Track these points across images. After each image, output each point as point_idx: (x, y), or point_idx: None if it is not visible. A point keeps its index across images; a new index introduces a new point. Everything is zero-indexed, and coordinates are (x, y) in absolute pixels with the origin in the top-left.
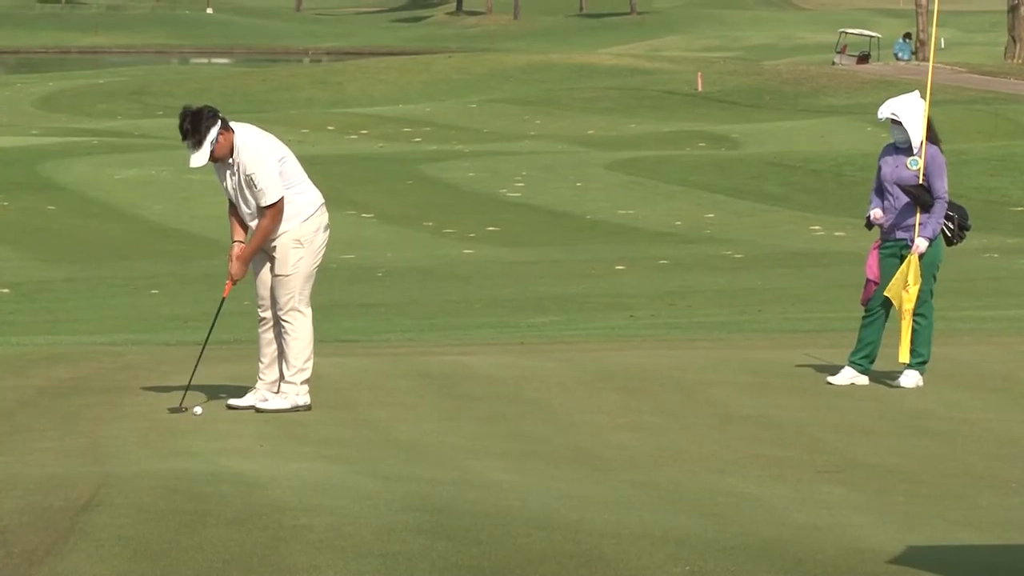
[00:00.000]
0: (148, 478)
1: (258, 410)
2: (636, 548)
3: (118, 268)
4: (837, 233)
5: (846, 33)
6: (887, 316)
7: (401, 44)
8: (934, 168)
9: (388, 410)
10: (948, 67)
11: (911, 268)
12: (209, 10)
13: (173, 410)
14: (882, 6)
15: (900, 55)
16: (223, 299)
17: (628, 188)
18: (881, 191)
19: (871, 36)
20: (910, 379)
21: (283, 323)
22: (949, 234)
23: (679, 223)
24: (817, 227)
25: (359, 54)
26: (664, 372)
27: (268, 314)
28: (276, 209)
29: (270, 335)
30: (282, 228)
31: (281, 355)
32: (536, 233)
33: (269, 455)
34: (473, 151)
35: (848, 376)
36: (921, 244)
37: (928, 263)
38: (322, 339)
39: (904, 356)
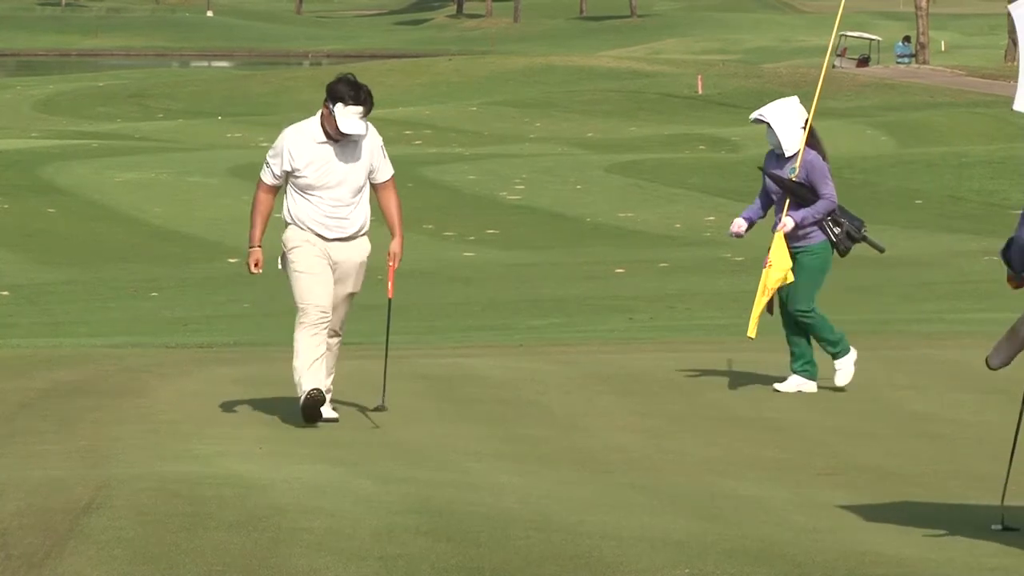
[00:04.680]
0: (148, 481)
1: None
2: (635, 550)
3: (118, 271)
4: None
5: (846, 36)
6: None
7: (402, 47)
8: (815, 175)
9: (388, 412)
10: (948, 70)
11: (775, 246)
12: (209, 13)
13: (377, 408)
14: (882, 8)
15: (900, 58)
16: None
17: (628, 191)
18: (767, 198)
19: (871, 39)
20: (842, 376)
21: (337, 337)
22: (834, 238)
23: (679, 226)
24: None
25: (359, 57)
26: (664, 375)
27: (327, 318)
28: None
29: (324, 346)
30: (358, 226)
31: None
32: (536, 236)
33: (269, 458)
34: (473, 154)
35: (795, 384)
36: (788, 222)
37: (814, 267)
38: None
39: (752, 331)
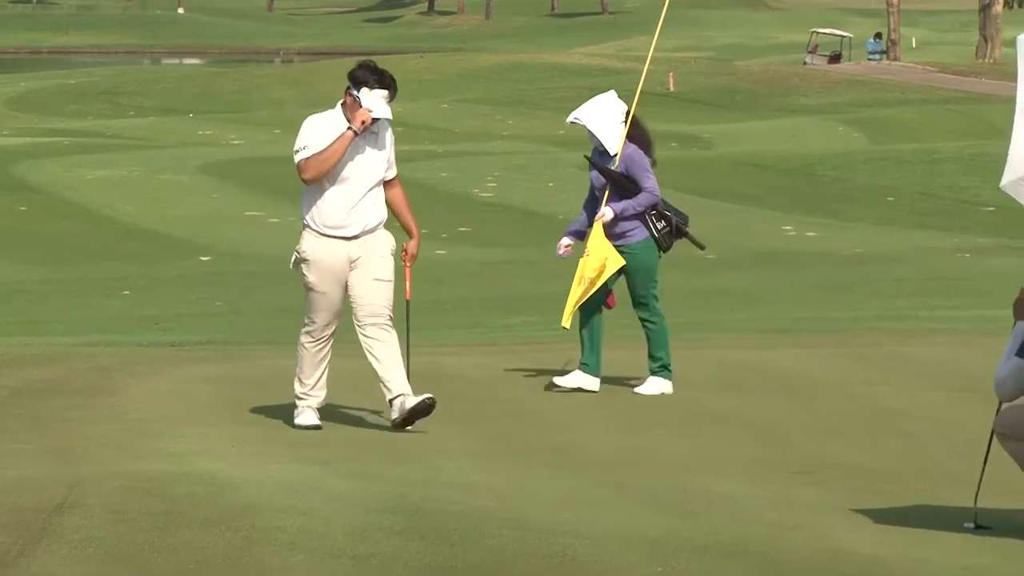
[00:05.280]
0: (121, 479)
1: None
2: (609, 548)
3: (91, 269)
4: (809, 233)
5: (817, 33)
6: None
7: (372, 44)
8: (635, 168)
9: (362, 411)
10: (920, 67)
11: (593, 236)
12: (180, 10)
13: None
14: (853, 5)
15: (871, 55)
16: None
17: None
18: (592, 206)
19: (843, 36)
20: (653, 386)
21: (382, 329)
22: (656, 234)
23: None
24: (789, 227)
25: (330, 54)
26: (638, 372)
27: (332, 329)
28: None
29: (327, 351)
30: (379, 218)
31: (380, 370)
32: (509, 233)
33: (242, 456)
34: (446, 151)
35: (576, 380)
36: (607, 212)
37: (642, 267)
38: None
39: (566, 321)
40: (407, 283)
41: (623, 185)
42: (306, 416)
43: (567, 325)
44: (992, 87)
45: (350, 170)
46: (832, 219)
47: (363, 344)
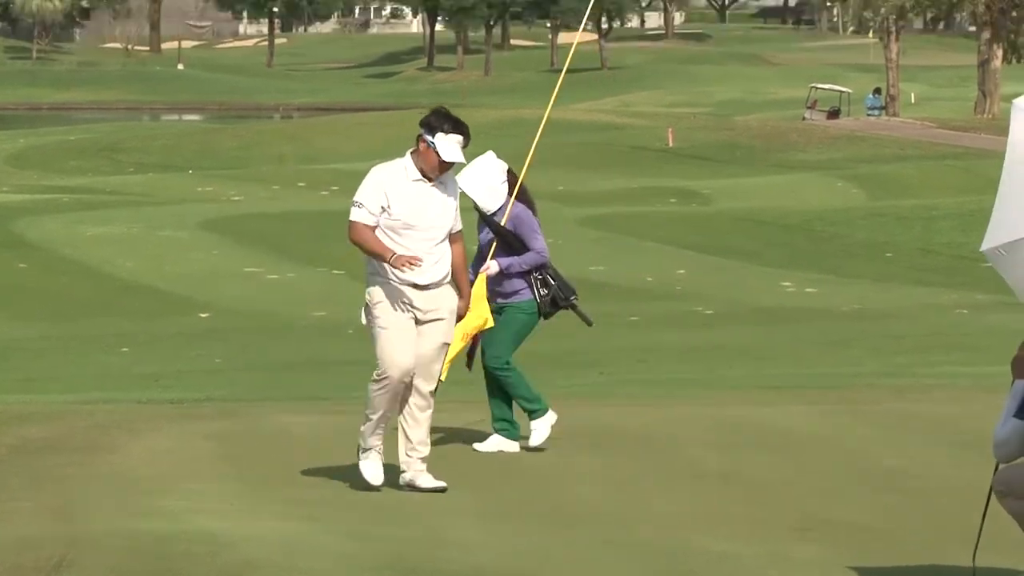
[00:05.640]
0: (119, 538)
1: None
2: None
3: (90, 326)
4: (808, 289)
5: (817, 88)
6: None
7: (372, 99)
8: (523, 228)
9: (355, 468)
10: (919, 122)
11: (475, 290)
12: (180, 66)
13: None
14: (852, 61)
15: (871, 110)
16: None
17: (599, 244)
18: (481, 260)
19: (841, 91)
20: (537, 436)
21: (430, 395)
22: (539, 299)
23: (650, 279)
24: (788, 283)
25: (330, 109)
26: (634, 429)
27: (408, 380)
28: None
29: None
30: (447, 271)
31: (414, 434)
32: None
33: (240, 514)
34: None
35: (495, 444)
36: (492, 265)
37: (518, 322)
38: (294, 397)
39: (442, 374)
40: (447, 357)
41: (511, 243)
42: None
43: (443, 378)
44: (991, 142)
45: (423, 218)
46: (831, 275)
47: (408, 400)
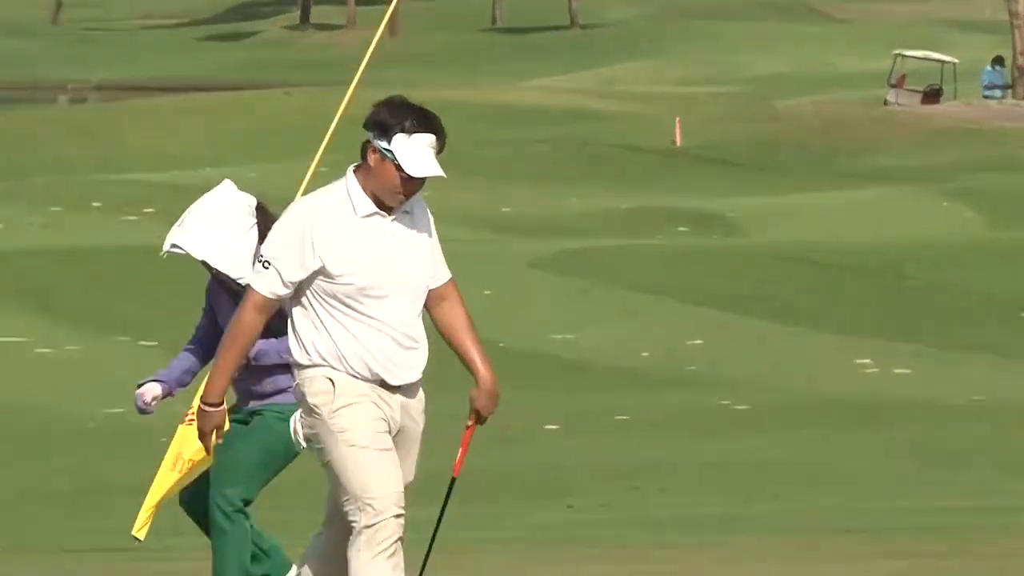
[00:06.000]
0: None
1: None
2: None
3: None
4: (898, 370)
5: (904, 56)
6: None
7: (213, 73)
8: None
9: None
10: None
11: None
12: None
13: None
14: (960, 15)
15: (989, 89)
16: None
17: (566, 298)
18: (210, 340)
19: (943, 61)
20: None
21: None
22: None
23: (646, 354)
24: (866, 360)
25: (146, 88)
26: None
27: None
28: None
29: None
30: (424, 357)
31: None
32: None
33: None
34: None
35: None
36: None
37: (271, 436)
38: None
39: (140, 530)
40: (461, 451)
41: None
42: None
43: (141, 535)
44: None
45: (386, 278)
46: (934, 348)
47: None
